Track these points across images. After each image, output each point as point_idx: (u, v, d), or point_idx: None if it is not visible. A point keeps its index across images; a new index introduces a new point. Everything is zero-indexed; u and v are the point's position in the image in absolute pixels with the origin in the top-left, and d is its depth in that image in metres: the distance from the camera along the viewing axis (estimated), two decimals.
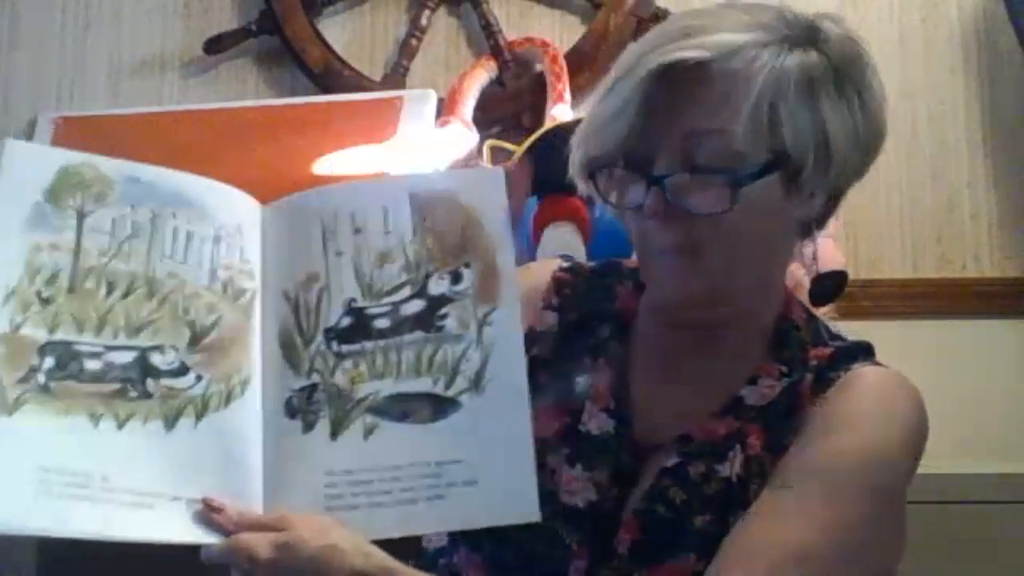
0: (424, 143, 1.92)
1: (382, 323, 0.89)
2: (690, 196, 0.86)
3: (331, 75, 2.08)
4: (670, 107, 0.86)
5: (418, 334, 0.89)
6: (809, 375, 0.92)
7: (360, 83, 2.07)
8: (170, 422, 0.83)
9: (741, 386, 0.93)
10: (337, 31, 2.14)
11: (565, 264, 1.06)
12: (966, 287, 2.00)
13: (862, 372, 0.92)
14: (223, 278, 0.89)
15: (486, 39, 2.06)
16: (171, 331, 0.86)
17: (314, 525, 0.80)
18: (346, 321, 0.89)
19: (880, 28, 2.09)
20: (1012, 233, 2.02)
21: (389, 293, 0.90)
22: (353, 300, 0.90)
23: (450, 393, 0.87)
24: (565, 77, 1.96)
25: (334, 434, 0.86)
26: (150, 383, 0.83)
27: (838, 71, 0.89)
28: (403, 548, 0.88)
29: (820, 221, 0.95)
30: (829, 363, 0.93)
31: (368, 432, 0.86)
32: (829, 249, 1.66)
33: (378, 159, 1.88)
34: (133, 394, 0.83)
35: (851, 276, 1.71)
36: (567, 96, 1.94)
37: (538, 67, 2.04)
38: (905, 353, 2.07)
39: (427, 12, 2.08)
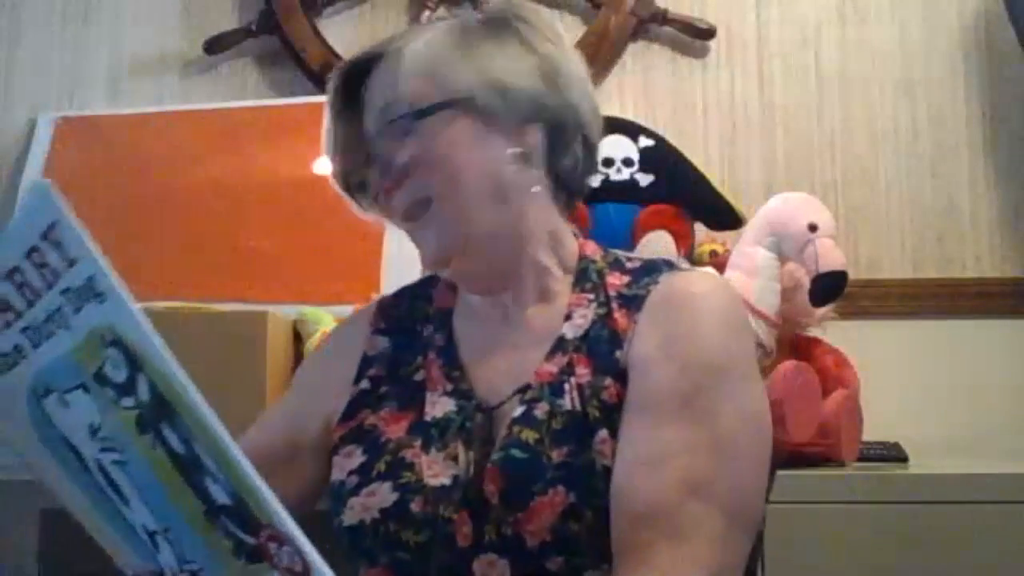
0: None
1: None
2: (395, 154, 0.98)
3: None
4: (363, 103, 1.02)
5: None
6: (615, 303, 0.98)
7: None
8: None
9: (561, 325, 0.99)
10: (337, 31, 2.14)
11: (390, 293, 1.13)
12: (967, 287, 2.00)
13: (673, 280, 0.98)
14: None
15: None
16: None
17: None
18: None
19: (880, 28, 2.09)
20: (1012, 233, 2.02)
21: None
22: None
23: None
24: None
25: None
26: None
27: (490, 23, 1.02)
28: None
29: (573, 177, 1.03)
30: (632, 283, 0.99)
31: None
32: (829, 249, 1.66)
33: None
34: None
35: (851, 276, 1.71)
36: None
37: None
38: (906, 353, 2.06)
39: (427, 12, 2.07)
